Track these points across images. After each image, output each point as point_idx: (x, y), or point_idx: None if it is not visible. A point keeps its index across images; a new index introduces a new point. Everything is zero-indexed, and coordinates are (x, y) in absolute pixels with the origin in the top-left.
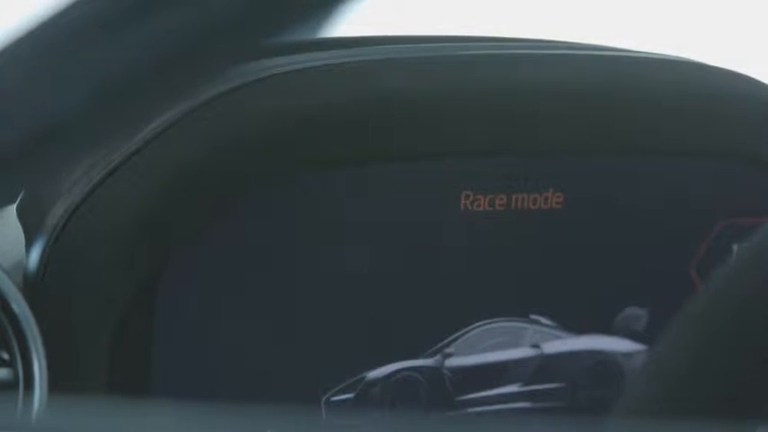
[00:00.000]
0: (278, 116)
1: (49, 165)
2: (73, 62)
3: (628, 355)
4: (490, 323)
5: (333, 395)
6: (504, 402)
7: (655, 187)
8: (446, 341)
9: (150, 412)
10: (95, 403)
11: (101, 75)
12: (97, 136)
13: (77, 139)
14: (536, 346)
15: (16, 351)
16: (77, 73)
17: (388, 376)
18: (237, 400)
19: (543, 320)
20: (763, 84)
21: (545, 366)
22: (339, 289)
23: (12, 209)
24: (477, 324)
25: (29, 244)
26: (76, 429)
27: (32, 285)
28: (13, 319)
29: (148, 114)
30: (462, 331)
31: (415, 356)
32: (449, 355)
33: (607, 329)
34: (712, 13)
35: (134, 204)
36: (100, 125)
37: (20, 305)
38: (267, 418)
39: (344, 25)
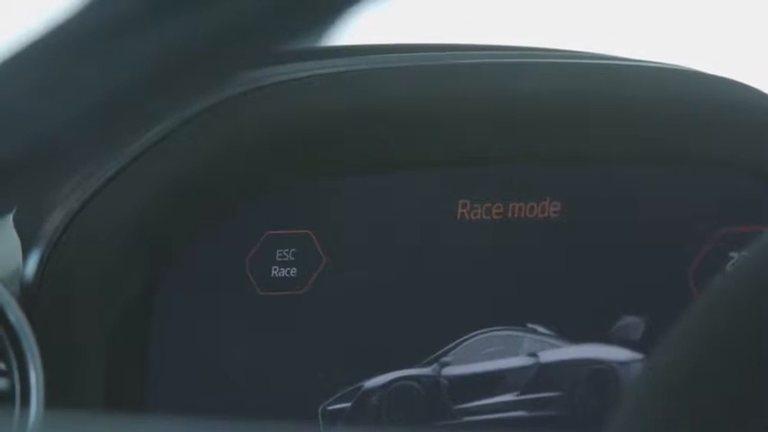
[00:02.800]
0: (276, 124)
1: (46, 174)
2: (72, 72)
3: (625, 363)
4: (487, 332)
5: (330, 404)
6: (502, 411)
7: (653, 196)
8: (443, 350)
9: (146, 426)
10: (92, 415)
11: (101, 85)
12: (96, 146)
13: (76, 148)
14: (533, 354)
15: (13, 361)
16: (77, 83)
17: (386, 385)
18: (234, 408)
19: (540, 329)
20: (762, 92)
21: (542, 375)
22: (336, 297)
23: (8, 218)
24: (475, 333)
25: (25, 254)
26: None
27: (29, 295)
28: (10, 329)
29: (149, 124)
30: (459, 340)
31: (413, 365)
32: (446, 364)
33: (604, 338)
34: (712, 22)
35: (132, 213)
36: (99, 135)
37: (16, 315)
38: (263, 430)
39: (344, 34)
